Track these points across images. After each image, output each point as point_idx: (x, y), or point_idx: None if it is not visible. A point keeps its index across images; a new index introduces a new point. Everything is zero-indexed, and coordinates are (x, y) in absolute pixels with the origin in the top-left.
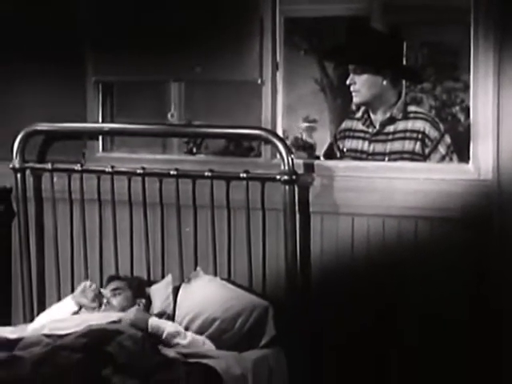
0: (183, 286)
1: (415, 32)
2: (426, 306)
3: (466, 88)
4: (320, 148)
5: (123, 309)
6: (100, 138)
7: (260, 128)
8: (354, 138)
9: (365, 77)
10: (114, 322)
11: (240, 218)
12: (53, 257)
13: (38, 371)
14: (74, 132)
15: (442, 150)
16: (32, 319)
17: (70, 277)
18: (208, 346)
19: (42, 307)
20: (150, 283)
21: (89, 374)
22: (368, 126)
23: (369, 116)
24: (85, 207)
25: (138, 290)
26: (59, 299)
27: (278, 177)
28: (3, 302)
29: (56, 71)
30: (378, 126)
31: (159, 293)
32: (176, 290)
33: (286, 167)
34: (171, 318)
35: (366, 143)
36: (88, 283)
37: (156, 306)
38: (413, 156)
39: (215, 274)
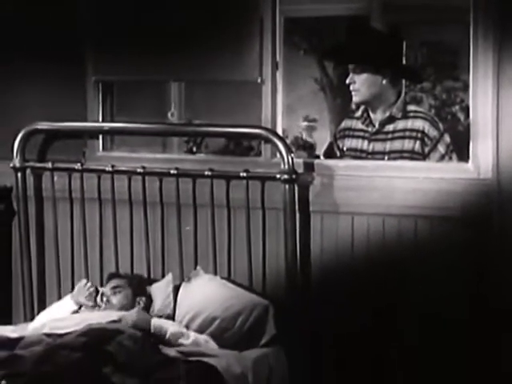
0: (183, 285)
1: (415, 31)
2: (426, 305)
3: (466, 87)
4: (320, 147)
5: (123, 307)
6: (100, 137)
7: (260, 127)
8: (353, 137)
9: (364, 76)
10: (114, 321)
11: (240, 217)
12: (53, 256)
13: (38, 370)
14: (74, 131)
15: (441, 149)
16: (32, 318)
17: (70, 276)
18: (211, 345)
19: (43, 306)
20: (151, 282)
21: (89, 372)
22: (368, 125)
23: (368, 115)
24: (85, 206)
25: (138, 287)
26: (59, 298)
27: (278, 176)
28: (4, 301)
29: (56, 71)
30: (377, 125)
31: (160, 291)
32: (176, 289)
33: (286, 166)
34: (171, 317)
35: (366, 142)
36: (83, 282)
37: (157, 305)
38: (412, 155)
39: (215, 273)
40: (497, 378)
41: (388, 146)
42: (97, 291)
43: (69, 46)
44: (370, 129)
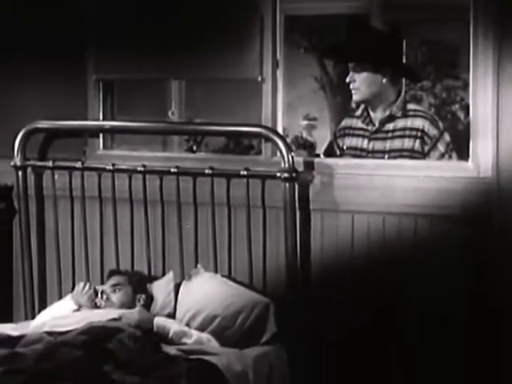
0: (184, 283)
1: (415, 30)
2: (426, 303)
3: (466, 86)
4: (320, 146)
5: (123, 305)
6: (101, 135)
7: (260, 126)
8: (353, 135)
9: (364, 75)
10: (114, 319)
11: (240, 216)
12: (54, 254)
13: (38, 367)
14: (74, 130)
15: (441, 147)
16: (33, 316)
17: (71, 274)
18: (213, 343)
19: (43, 304)
20: (151, 279)
21: (89, 370)
22: (367, 124)
23: (368, 114)
24: (86, 205)
25: (138, 285)
26: (60, 296)
27: (279, 174)
28: (5, 299)
29: (57, 69)
30: (377, 124)
31: (161, 290)
32: (177, 288)
33: (287, 165)
34: (172, 315)
35: (366, 141)
36: (81, 286)
37: (158, 303)
38: (412, 154)
39: (216, 272)
40: (497, 377)
41: (388, 144)
42: (96, 293)
43: (69, 45)
44: (370, 127)
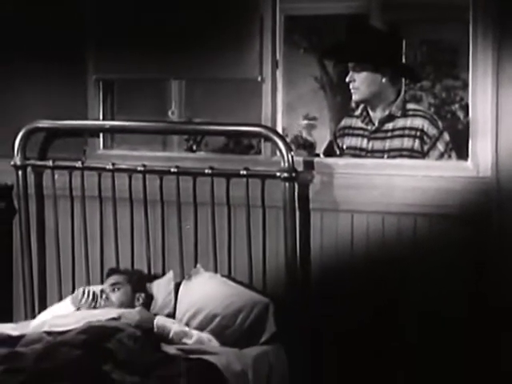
0: (184, 282)
1: (414, 30)
2: (425, 302)
3: (465, 86)
4: (320, 146)
5: (122, 304)
6: (101, 135)
7: (260, 125)
8: (353, 135)
9: (364, 74)
10: (113, 318)
11: (240, 215)
12: (54, 254)
13: (38, 367)
14: (74, 129)
15: (440, 147)
16: (33, 316)
17: (71, 274)
18: (214, 343)
19: (43, 304)
20: (151, 278)
21: (89, 370)
22: (367, 124)
23: (368, 113)
24: (86, 204)
25: (138, 284)
26: (60, 296)
27: (278, 174)
28: (4, 298)
29: (57, 69)
30: (376, 124)
31: (161, 289)
32: (176, 287)
33: (286, 164)
34: (172, 314)
35: (365, 141)
36: (80, 294)
37: (158, 302)
38: (411, 153)
39: (215, 271)
40: (496, 376)
41: (387, 144)
42: (94, 298)
43: (69, 44)
44: (369, 127)
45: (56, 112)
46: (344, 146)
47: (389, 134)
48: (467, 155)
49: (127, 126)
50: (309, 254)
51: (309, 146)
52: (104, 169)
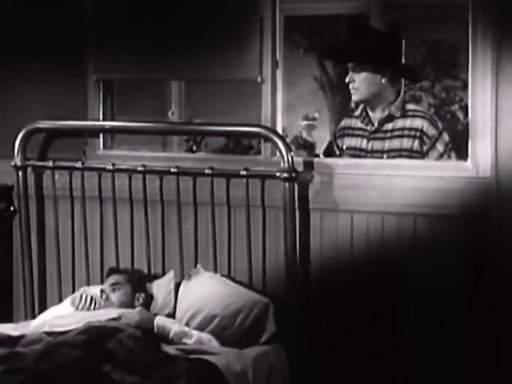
0: (184, 282)
1: (414, 30)
2: (425, 302)
3: (465, 86)
4: (320, 146)
5: (122, 304)
6: (101, 135)
7: (260, 126)
8: (352, 135)
9: (364, 75)
10: (113, 318)
11: (240, 216)
12: (54, 254)
13: (38, 367)
14: (75, 130)
15: (440, 147)
16: (33, 316)
17: (71, 274)
18: (214, 343)
19: (43, 304)
20: (151, 278)
21: (89, 370)
22: (367, 124)
23: (367, 114)
24: (86, 204)
25: (138, 284)
26: (60, 296)
27: (278, 174)
28: (5, 299)
29: (57, 70)
30: (376, 124)
31: (161, 289)
32: (176, 287)
33: (286, 165)
34: (172, 314)
35: (365, 141)
36: (77, 298)
37: (158, 302)
38: (411, 154)
39: (215, 271)
40: (495, 376)
41: (387, 144)
42: (91, 302)
43: (69, 45)
44: (369, 127)
45: (56, 112)
46: (344, 147)
47: (388, 135)
48: (467, 155)
49: (127, 126)
50: (309, 254)
51: (309, 147)
52: (104, 169)
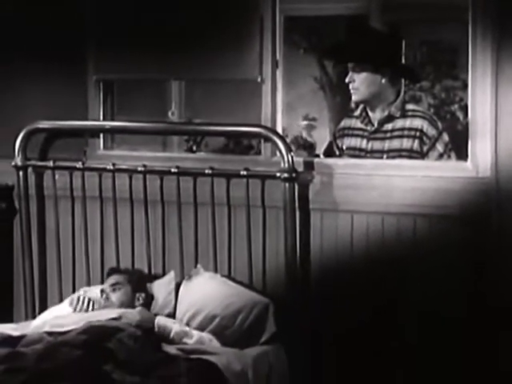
0: (184, 282)
1: (414, 30)
2: (425, 302)
3: (465, 86)
4: (320, 146)
5: (122, 304)
6: (101, 135)
7: (260, 126)
8: (352, 136)
9: (364, 75)
10: (114, 318)
11: (240, 216)
12: (54, 254)
13: (39, 367)
14: (75, 130)
15: (439, 147)
16: (34, 316)
17: (71, 274)
18: (215, 343)
19: (44, 304)
20: (151, 278)
21: (89, 370)
22: (366, 124)
23: (367, 114)
24: (86, 204)
25: (138, 284)
26: (61, 296)
27: (278, 174)
28: (5, 298)
29: (57, 70)
30: (376, 124)
31: (161, 289)
32: (177, 287)
33: (286, 165)
34: (172, 314)
35: (365, 141)
36: (75, 300)
37: (158, 302)
38: (411, 154)
39: (216, 271)
40: (494, 376)
41: (387, 144)
42: (88, 305)
43: (69, 45)
44: (368, 128)
45: (56, 112)
46: (344, 147)
47: (388, 135)
48: (466, 156)
49: (127, 126)
50: (309, 254)
51: (309, 147)
52: (104, 169)
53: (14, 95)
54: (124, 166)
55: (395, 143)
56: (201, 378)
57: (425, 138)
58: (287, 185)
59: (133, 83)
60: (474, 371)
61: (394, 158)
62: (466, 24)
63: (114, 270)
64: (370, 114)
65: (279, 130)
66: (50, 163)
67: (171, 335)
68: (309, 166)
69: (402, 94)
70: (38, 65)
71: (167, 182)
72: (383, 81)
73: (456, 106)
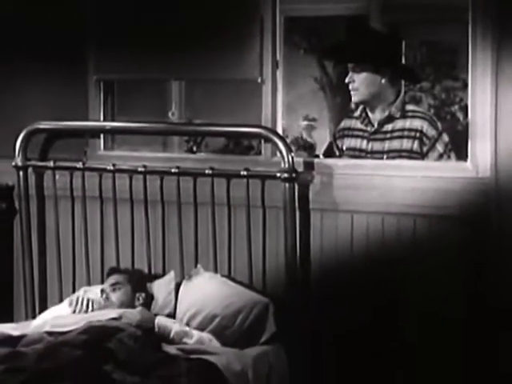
0: (184, 282)
1: (414, 31)
2: (424, 303)
3: (465, 87)
4: (320, 147)
5: (122, 304)
6: (101, 136)
7: (260, 126)
8: (352, 136)
9: (363, 75)
10: (114, 318)
11: (240, 216)
12: (54, 254)
13: (39, 367)
14: (75, 130)
15: (439, 148)
16: (34, 316)
17: (71, 274)
18: (214, 343)
19: (44, 304)
20: (151, 278)
21: (89, 370)
22: (366, 125)
23: (367, 115)
24: (86, 205)
25: (138, 284)
26: (61, 296)
27: (278, 175)
28: (5, 298)
29: (58, 70)
30: (376, 125)
31: (161, 289)
32: (177, 287)
33: (286, 165)
34: (172, 314)
35: (365, 142)
36: (74, 301)
37: (158, 302)
38: (411, 154)
39: (216, 271)
40: (494, 377)
41: (387, 145)
42: (87, 306)
43: (70, 45)
44: (368, 128)
45: (57, 113)
46: (344, 147)
47: (388, 136)
48: (466, 156)
49: (128, 126)
50: (309, 254)
51: (309, 147)
52: (105, 169)
53: (14, 95)
54: (124, 167)
55: (395, 144)
56: (201, 377)
57: (425, 139)
58: (287, 185)
59: (133, 83)
60: (473, 372)
61: (393, 158)
62: (465, 24)
63: (114, 270)
64: (370, 114)
65: (279, 130)
66: (51, 163)
67: (171, 335)
68: (309, 166)
69: (401, 94)
70: (38, 65)
71: (167, 183)
72: (383, 81)
73: (456, 106)
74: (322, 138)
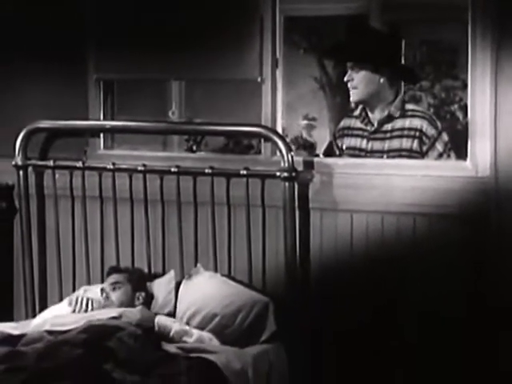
0: (184, 282)
1: (414, 30)
2: (424, 302)
3: (465, 86)
4: (320, 146)
5: (122, 303)
6: (101, 135)
7: (260, 126)
8: (352, 136)
9: (362, 74)
10: (114, 317)
11: (240, 215)
12: (54, 253)
13: (39, 366)
14: (75, 129)
15: (439, 147)
16: (34, 315)
17: (71, 273)
18: (214, 342)
19: (44, 303)
20: (151, 277)
21: (90, 369)
22: (366, 124)
23: (367, 114)
24: (86, 204)
25: (138, 283)
26: (61, 295)
27: (278, 174)
28: (5, 298)
29: (58, 69)
30: (376, 124)
31: (161, 288)
32: (177, 287)
33: (286, 164)
34: (172, 314)
35: (365, 141)
36: (73, 301)
37: (158, 302)
38: (410, 153)
39: (215, 271)
40: (494, 376)
41: (386, 144)
42: (87, 306)
43: (69, 45)
44: (368, 128)
45: (57, 112)
46: (343, 147)
47: (388, 135)
48: (466, 155)
49: (128, 126)
50: (308, 254)
51: (309, 147)
52: (105, 169)
53: (14, 95)
54: (124, 166)
55: (395, 143)
56: (200, 376)
57: (424, 138)
58: (287, 184)
59: (133, 83)
60: (473, 371)
61: (393, 157)
62: (465, 24)
63: (114, 269)
64: (370, 114)
65: (279, 129)
66: (51, 163)
67: (171, 334)
68: (309, 165)
69: (401, 93)
70: (38, 65)
71: (167, 182)
72: (382, 80)
73: (456, 105)
74: (321, 138)
